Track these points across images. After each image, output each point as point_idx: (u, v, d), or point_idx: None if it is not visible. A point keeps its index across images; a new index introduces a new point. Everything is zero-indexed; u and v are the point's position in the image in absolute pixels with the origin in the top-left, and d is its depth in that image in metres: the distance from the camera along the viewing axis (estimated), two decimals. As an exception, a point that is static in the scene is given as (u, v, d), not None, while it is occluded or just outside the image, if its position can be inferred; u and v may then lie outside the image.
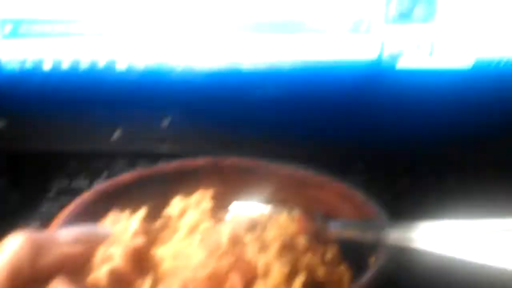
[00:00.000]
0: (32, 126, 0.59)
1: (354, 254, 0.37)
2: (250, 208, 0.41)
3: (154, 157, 0.57)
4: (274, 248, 0.34)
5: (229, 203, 0.42)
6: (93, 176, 0.58)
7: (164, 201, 0.41)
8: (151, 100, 0.57)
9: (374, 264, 0.34)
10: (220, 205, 0.41)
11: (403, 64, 0.53)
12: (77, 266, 0.32)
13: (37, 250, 0.30)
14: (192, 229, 0.38)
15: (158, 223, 0.39)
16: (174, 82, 0.56)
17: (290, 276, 0.33)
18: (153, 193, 0.42)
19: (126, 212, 0.39)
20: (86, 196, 0.40)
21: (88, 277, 0.32)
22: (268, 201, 0.41)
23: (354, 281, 0.34)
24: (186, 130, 0.59)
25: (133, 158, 0.59)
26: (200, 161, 0.45)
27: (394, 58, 0.52)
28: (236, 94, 0.56)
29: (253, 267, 0.33)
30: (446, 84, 0.53)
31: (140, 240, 0.35)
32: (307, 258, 0.34)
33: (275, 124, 0.57)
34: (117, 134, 0.59)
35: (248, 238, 0.35)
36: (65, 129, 0.59)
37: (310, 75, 0.54)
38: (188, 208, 0.40)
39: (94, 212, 0.39)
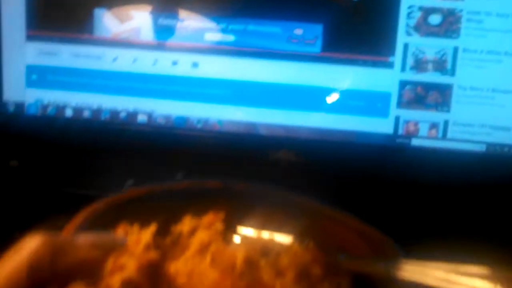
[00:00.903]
0: (44, 168, 0.60)
1: None
2: (259, 235, 0.41)
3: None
4: (290, 274, 0.34)
5: (237, 228, 0.42)
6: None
7: (173, 218, 0.40)
8: (167, 153, 0.58)
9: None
10: (228, 228, 0.41)
11: (417, 143, 0.55)
12: (92, 271, 0.31)
13: (56, 252, 0.29)
14: (203, 249, 0.37)
15: (168, 239, 0.38)
16: (191, 139, 0.58)
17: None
18: (162, 209, 0.41)
19: (136, 226, 0.38)
20: (96, 206, 0.40)
21: (99, 284, 0.31)
22: (278, 230, 0.41)
23: None
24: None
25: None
26: (210, 183, 0.45)
27: (408, 137, 0.54)
28: (252, 156, 0.57)
29: (270, 291, 0.32)
30: (459, 165, 0.54)
31: (154, 254, 0.34)
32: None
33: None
34: (128, 184, 0.59)
35: (263, 262, 0.35)
36: (77, 174, 0.60)
37: (324, 143, 0.56)
38: (199, 228, 0.39)
39: (103, 223, 0.38)
